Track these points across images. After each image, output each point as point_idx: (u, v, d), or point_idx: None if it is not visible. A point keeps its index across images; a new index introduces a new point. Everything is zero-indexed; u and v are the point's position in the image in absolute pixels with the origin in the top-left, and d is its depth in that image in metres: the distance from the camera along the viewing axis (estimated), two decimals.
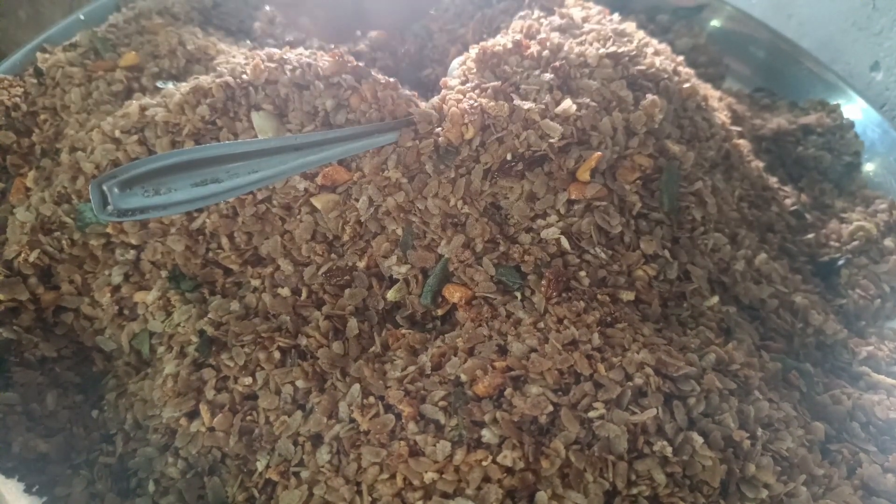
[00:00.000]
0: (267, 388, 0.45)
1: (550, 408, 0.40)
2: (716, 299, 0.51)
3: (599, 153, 0.48)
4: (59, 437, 0.46)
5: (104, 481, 0.45)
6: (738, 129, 0.65)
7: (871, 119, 0.75)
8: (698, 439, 0.40)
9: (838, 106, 0.77)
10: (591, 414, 0.40)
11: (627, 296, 0.47)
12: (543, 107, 0.48)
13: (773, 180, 0.66)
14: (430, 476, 0.38)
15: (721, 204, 0.55)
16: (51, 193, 0.53)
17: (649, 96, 0.51)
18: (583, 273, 0.47)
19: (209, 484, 0.44)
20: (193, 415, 0.45)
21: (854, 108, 0.77)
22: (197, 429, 0.44)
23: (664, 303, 0.49)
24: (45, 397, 0.48)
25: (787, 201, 0.66)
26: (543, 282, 0.46)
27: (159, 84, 0.59)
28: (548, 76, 0.50)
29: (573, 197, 0.48)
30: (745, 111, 0.75)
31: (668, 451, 0.39)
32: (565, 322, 0.44)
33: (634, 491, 0.38)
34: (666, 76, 0.54)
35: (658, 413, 0.40)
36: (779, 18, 0.89)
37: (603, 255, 0.47)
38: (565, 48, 0.52)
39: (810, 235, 0.64)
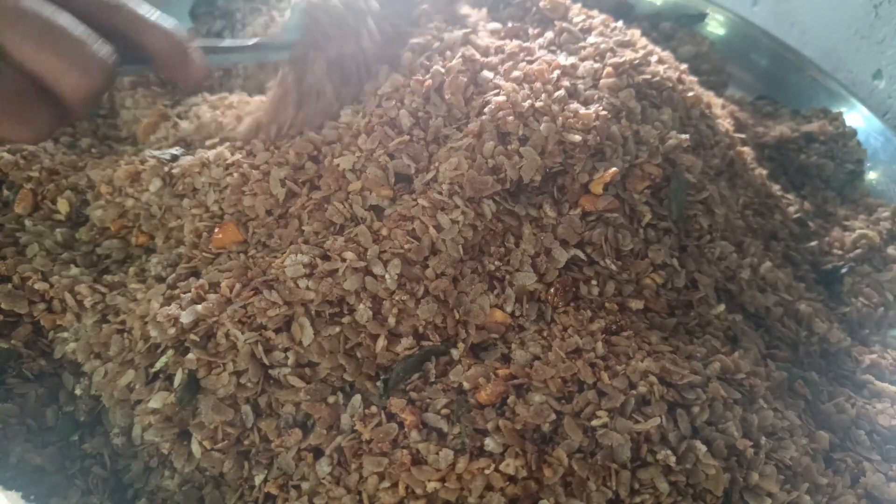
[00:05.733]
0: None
1: (553, 416, 0.40)
2: (722, 307, 0.51)
3: (615, 169, 0.47)
4: (52, 448, 0.46)
5: (99, 492, 0.44)
6: (742, 136, 0.65)
7: (873, 127, 0.75)
8: (702, 448, 0.40)
9: (841, 114, 0.78)
10: (595, 422, 0.40)
11: (636, 304, 0.47)
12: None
13: (776, 188, 0.66)
14: (432, 485, 0.38)
15: (727, 212, 0.55)
16: None
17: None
18: (593, 282, 0.47)
19: (208, 496, 0.44)
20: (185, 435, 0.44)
21: (856, 117, 0.77)
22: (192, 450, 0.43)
23: (671, 311, 0.49)
24: (44, 413, 0.47)
25: (791, 209, 0.66)
26: (552, 290, 0.46)
27: None
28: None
29: (585, 209, 0.48)
30: (748, 119, 0.75)
31: (672, 459, 0.39)
32: (569, 330, 0.44)
33: (637, 500, 0.38)
34: (671, 84, 0.55)
35: (662, 422, 0.40)
36: (781, 27, 0.89)
37: (613, 267, 0.47)
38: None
39: (813, 243, 0.64)
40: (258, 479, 0.42)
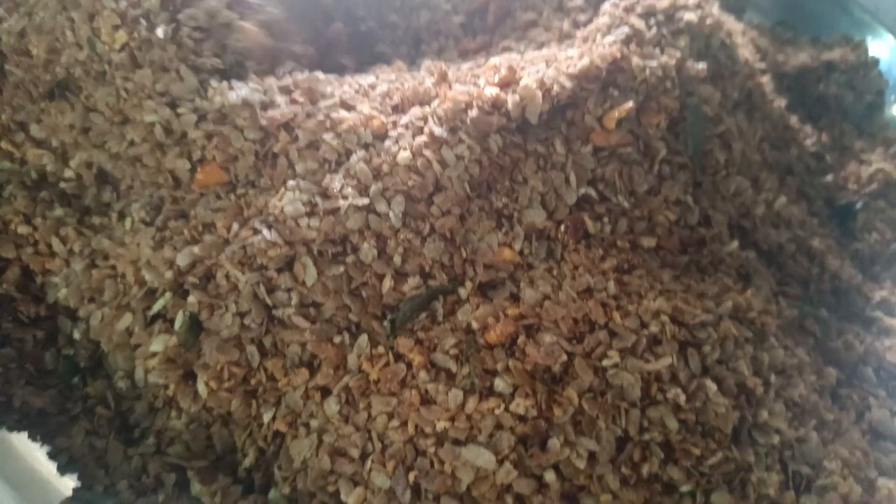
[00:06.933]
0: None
1: (564, 357, 0.39)
2: (735, 244, 0.49)
3: (631, 104, 0.45)
4: (53, 391, 0.45)
5: (105, 431, 0.44)
6: (762, 66, 0.62)
7: None
8: (712, 386, 0.39)
9: (863, 42, 0.74)
10: (605, 363, 0.39)
11: (648, 242, 0.45)
12: None
13: (793, 119, 0.64)
14: (441, 424, 0.38)
15: (744, 146, 0.53)
16: None
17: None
18: (605, 220, 0.45)
19: (216, 433, 0.44)
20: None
21: (882, 46, 0.73)
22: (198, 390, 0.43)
23: (684, 249, 0.48)
24: (43, 356, 0.47)
25: (808, 142, 0.63)
26: (562, 228, 0.44)
27: None
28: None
29: (597, 144, 0.46)
30: (768, 46, 0.72)
31: (682, 398, 0.39)
32: (580, 269, 0.43)
33: (646, 437, 0.38)
34: (690, 10, 0.51)
35: (673, 361, 0.39)
36: None
37: (626, 204, 0.46)
38: None
39: (828, 177, 0.63)
40: (266, 417, 0.42)
